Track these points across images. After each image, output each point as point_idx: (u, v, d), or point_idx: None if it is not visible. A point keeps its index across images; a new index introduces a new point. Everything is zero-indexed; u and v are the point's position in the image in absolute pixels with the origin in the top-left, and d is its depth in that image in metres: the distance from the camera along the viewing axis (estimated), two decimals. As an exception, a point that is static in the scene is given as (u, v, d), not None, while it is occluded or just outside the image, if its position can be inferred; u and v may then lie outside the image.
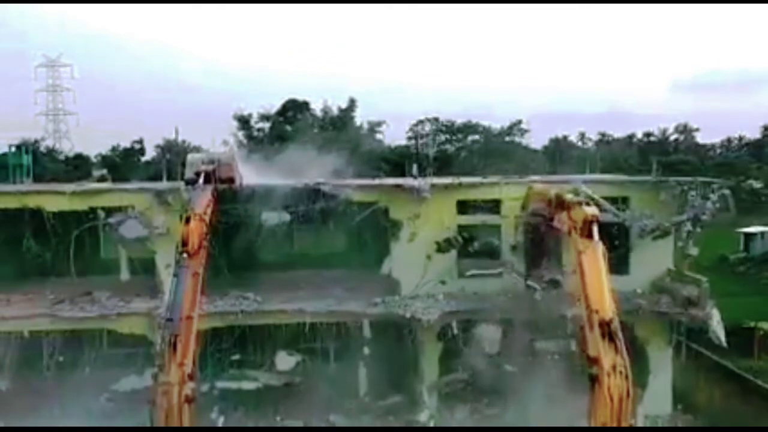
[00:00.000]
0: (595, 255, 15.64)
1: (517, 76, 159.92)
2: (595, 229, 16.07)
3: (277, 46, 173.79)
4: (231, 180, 21.48)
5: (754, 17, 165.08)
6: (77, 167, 68.84)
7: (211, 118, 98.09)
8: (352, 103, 69.88)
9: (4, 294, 22.79)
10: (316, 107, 70.13)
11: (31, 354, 23.16)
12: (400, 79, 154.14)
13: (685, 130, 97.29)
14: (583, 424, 14.52)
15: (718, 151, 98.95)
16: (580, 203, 16.90)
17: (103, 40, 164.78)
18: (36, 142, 77.38)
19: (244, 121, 69.53)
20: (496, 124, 78.19)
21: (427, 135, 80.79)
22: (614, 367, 13.91)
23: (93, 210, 23.58)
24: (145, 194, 23.08)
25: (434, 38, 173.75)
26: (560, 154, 77.78)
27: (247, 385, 22.95)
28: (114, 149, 78.09)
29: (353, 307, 22.25)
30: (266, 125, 69.45)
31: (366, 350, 22.94)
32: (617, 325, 14.46)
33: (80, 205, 23.17)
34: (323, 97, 73.42)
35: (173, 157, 52.96)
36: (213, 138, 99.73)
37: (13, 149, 58.19)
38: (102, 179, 35.48)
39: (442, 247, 22.75)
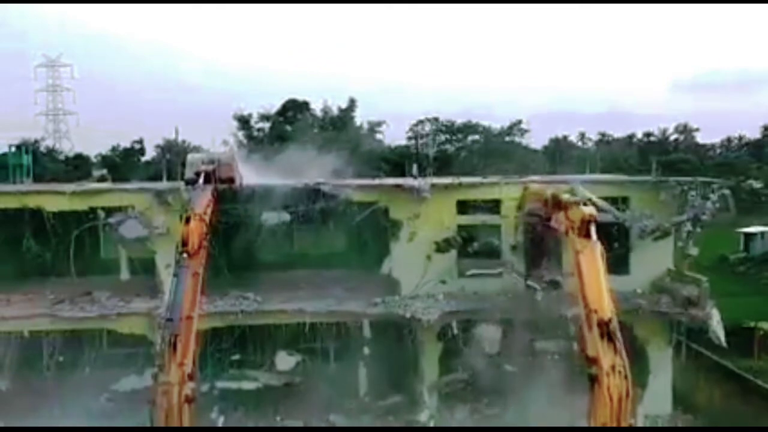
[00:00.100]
0: (593, 255, 15.63)
1: (517, 76, 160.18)
2: (593, 228, 16.06)
3: (277, 46, 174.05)
4: (231, 180, 21.48)
5: (754, 17, 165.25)
6: (77, 167, 68.89)
7: (211, 118, 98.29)
8: (352, 103, 69.98)
9: (4, 294, 22.79)
10: (316, 107, 70.29)
11: (31, 354, 23.15)
12: (400, 79, 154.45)
13: (685, 130, 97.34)
14: (583, 424, 14.52)
15: (718, 151, 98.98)
16: (577, 203, 16.87)
17: (103, 40, 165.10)
18: (36, 142, 77.46)
19: (244, 121, 69.57)
20: (496, 124, 78.40)
21: (427, 135, 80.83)
22: (613, 367, 13.90)
23: (93, 210, 23.58)
24: (145, 194, 23.07)
25: (434, 38, 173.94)
26: (560, 154, 77.78)
27: (247, 385, 22.94)
28: (114, 149, 78.13)
29: (353, 307, 22.25)
30: (266, 125, 69.50)
31: (366, 350, 22.94)
32: (616, 325, 14.46)
33: (80, 205, 23.18)
34: (323, 97, 73.57)
35: (173, 157, 52.98)
36: (213, 138, 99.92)
37: (13, 149, 58.29)
38: (102, 179, 35.50)
39: (442, 247, 22.75)
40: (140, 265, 24.03)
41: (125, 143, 78.01)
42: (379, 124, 72.32)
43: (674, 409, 23.29)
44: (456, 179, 25.31)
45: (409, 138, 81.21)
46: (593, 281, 15.15)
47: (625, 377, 13.91)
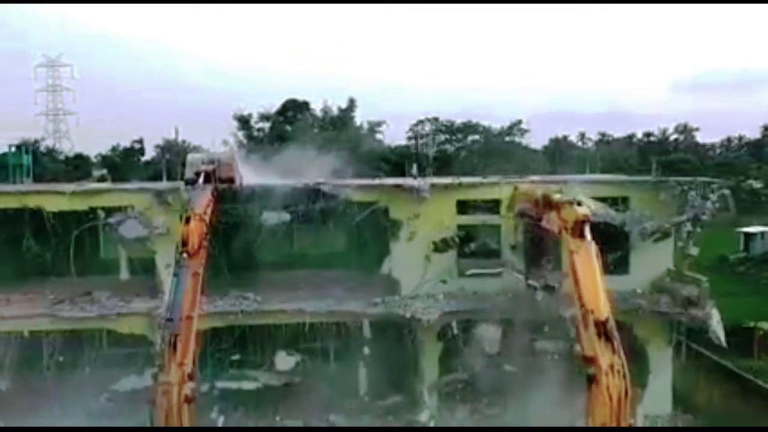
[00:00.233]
0: (588, 255, 15.58)
1: (517, 76, 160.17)
2: (587, 228, 16.03)
3: (277, 46, 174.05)
4: (231, 180, 21.47)
5: (754, 17, 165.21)
6: (77, 167, 68.92)
7: (211, 118, 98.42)
8: (352, 103, 69.98)
9: (4, 294, 22.78)
10: (316, 107, 70.30)
11: (31, 354, 23.15)
12: (400, 79, 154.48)
13: (685, 129, 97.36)
14: (583, 424, 14.51)
15: (718, 150, 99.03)
16: (570, 203, 16.81)
17: (103, 40, 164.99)
18: (36, 142, 77.47)
19: (244, 121, 69.56)
20: (496, 124, 78.45)
21: (427, 135, 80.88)
22: (612, 367, 13.89)
23: (93, 210, 23.58)
24: (145, 194, 23.08)
25: (434, 38, 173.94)
26: (560, 154, 77.79)
27: (247, 385, 22.93)
28: (114, 149, 78.11)
29: (353, 307, 22.25)
30: (266, 125, 69.50)
31: (366, 350, 22.94)
32: (613, 324, 14.44)
33: (80, 205, 23.18)
34: (323, 97, 73.59)
35: (173, 157, 53.06)
36: (213, 138, 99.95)
37: (13, 149, 58.41)
38: (102, 179, 35.57)
39: (439, 247, 22.78)
40: (140, 265, 24.01)
41: (125, 143, 78.16)
42: (379, 124, 72.40)
43: (674, 409, 23.29)
44: (456, 179, 25.32)
45: (409, 138, 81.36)
46: (589, 281, 15.12)
47: (624, 377, 13.89)
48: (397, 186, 23.95)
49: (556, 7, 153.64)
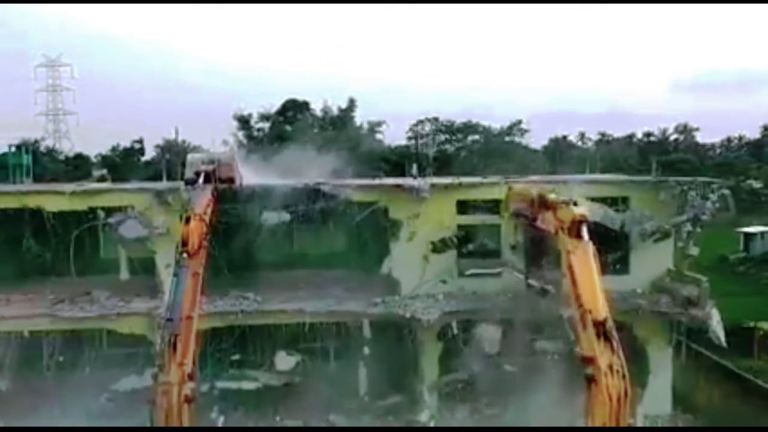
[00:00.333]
0: (585, 254, 15.53)
1: (517, 76, 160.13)
2: (584, 229, 16.00)
3: (277, 46, 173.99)
4: (231, 180, 21.46)
5: (754, 17, 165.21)
6: (77, 167, 68.90)
7: (211, 118, 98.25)
8: (352, 103, 69.93)
9: (4, 294, 22.78)
10: (316, 107, 70.24)
11: (31, 354, 23.16)
12: (400, 79, 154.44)
13: (685, 129, 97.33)
14: (583, 424, 14.50)
15: (718, 150, 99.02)
16: (566, 203, 16.75)
17: (103, 40, 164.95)
18: (36, 142, 77.42)
19: (244, 121, 69.54)
20: (496, 124, 78.42)
21: (427, 135, 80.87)
22: (611, 367, 13.83)
23: (93, 210, 23.59)
24: (145, 194, 23.08)
25: (434, 38, 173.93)
26: (560, 154, 77.77)
27: (247, 385, 22.94)
28: (114, 149, 78.05)
29: (353, 307, 22.25)
30: (266, 125, 69.46)
31: (366, 350, 22.96)
32: (612, 324, 14.42)
33: (80, 205, 23.18)
34: (323, 97, 73.49)
35: (173, 157, 52.99)
36: (213, 138, 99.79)
37: (13, 149, 58.42)
38: (102, 179, 35.58)
39: (437, 247, 22.78)
40: (140, 265, 24.02)
41: (125, 143, 78.05)
42: (379, 124, 72.35)
43: (674, 409, 23.30)
44: (456, 179, 25.33)
45: (409, 138, 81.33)
46: (587, 281, 15.07)
47: (623, 377, 13.84)
48: (397, 186, 23.95)
49: (556, 8, 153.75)
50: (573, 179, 23.86)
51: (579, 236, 15.87)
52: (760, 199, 68.47)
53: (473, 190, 23.95)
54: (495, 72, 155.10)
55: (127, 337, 22.30)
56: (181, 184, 21.93)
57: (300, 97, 69.79)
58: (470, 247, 23.80)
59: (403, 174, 37.11)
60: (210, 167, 20.56)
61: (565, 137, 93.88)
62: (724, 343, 21.92)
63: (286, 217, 23.28)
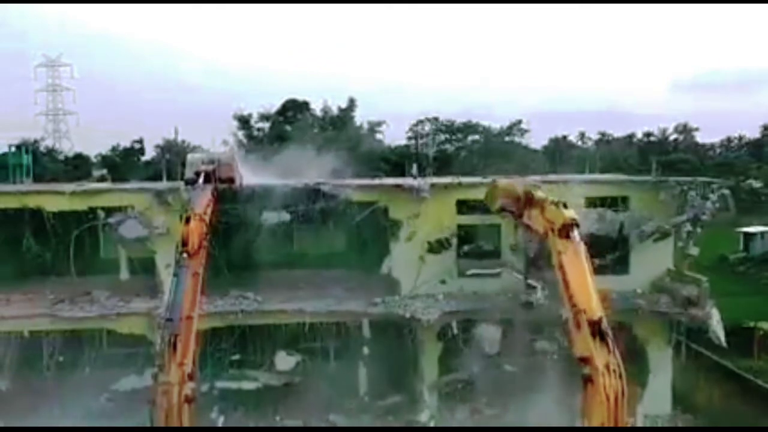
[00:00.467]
0: (576, 255, 15.52)
1: (517, 76, 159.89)
2: (575, 231, 15.96)
3: (277, 46, 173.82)
4: (231, 180, 21.47)
5: (754, 17, 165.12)
6: (77, 167, 68.83)
7: (211, 118, 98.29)
8: (352, 103, 69.83)
9: (4, 294, 22.81)
10: (316, 107, 70.14)
11: (31, 354, 23.20)
12: (400, 79, 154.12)
13: (684, 129, 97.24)
14: (581, 424, 14.49)
15: (718, 150, 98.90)
16: (555, 204, 16.69)
17: (103, 40, 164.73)
18: (36, 142, 77.35)
19: (244, 121, 69.47)
20: (496, 124, 78.27)
21: (426, 135, 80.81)
22: (608, 366, 13.81)
23: (93, 210, 23.60)
24: (145, 194, 23.09)
25: (434, 38, 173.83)
26: (560, 154, 77.70)
27: (247, 385, 22.95)
28: (114, 149, 77.95)
29: (353, 307, 22.27)
30: (266, 125, 69.38)
31: (366, 350, 22.97)
32: (606, 323, 14.39)
33: (80, 205, 23.19)
34: (323, 97, 73.38)
35: (173, 157, 52.96)
36: (213, 138, 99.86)
37: (13, 149, 58.42)
38: (102, 179, 35.56)
39: (434, 247, 22.77)
40: (140, 265, 24.05)
41: (125, 143, 77.89)
42: (379, 124, 72.23)
43: (674, 409, 23.32)
44: (456, 179, 25.33)
45: (409, 138, 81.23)
46: (579, 281, 15.06)
47: (620, 376, 13.79)
48: (397, 186, 23.96)
49: (556, 7, 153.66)
50: (573, 179, 23.86)
51: (568, 237, 15.85)
52: (760, 199, 68.39)
53: (473, 190, 23.89)
54: (495, 72, 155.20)
55: (127, 337, 22.31)
56: (181, 184, 21.94)
57: (300, 97, 69.78)
58: (466, 248, 23.78)
59: (403, 174, 37.09)
60: (210, 167, 20.58)
61: (565, 137, 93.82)
62: (724, 343, 21.93)
63: (286, 217, 23.31)
